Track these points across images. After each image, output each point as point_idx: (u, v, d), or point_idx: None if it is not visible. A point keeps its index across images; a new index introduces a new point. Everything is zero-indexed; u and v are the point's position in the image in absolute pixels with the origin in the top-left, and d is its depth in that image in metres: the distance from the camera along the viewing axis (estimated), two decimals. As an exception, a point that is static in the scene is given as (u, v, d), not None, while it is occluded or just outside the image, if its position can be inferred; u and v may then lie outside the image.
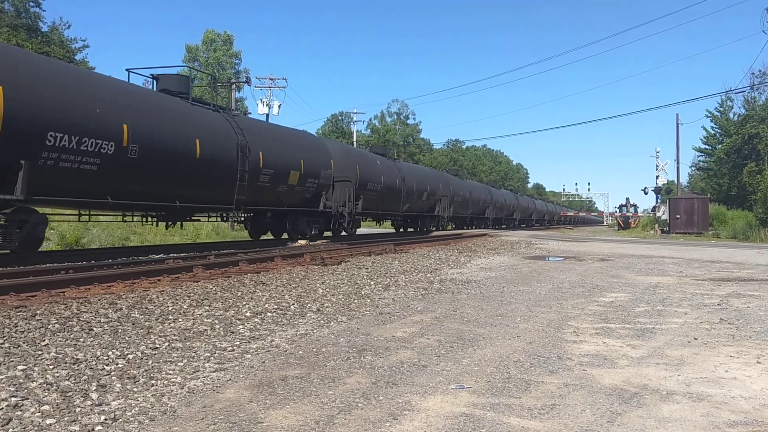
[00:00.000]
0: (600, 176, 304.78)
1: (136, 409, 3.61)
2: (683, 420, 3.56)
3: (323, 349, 5.22)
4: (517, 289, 9.58)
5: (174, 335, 5.56)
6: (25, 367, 4.30)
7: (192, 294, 7.87)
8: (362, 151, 29.44)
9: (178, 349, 5.06)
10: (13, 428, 3.23)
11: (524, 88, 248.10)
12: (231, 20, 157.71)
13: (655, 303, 8.18)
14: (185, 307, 6.97)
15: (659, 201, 49.61)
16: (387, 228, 37.72)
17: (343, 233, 23.61)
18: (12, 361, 4.45)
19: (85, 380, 4.09)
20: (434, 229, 34.39)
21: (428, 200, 33.02)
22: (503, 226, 53.80)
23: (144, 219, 15.69)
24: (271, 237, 21.07)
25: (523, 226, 63.24)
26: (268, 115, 42.06)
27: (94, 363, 4.50)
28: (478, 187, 48.58)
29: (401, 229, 33.66)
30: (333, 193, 21.57)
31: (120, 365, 4.50)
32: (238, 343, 5.39)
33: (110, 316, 6.25)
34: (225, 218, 19.14)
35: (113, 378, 4.18)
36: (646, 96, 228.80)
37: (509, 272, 12.29)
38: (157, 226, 16.89)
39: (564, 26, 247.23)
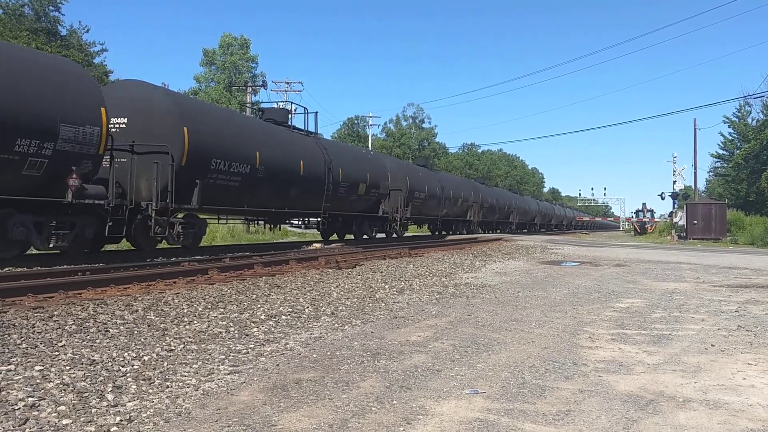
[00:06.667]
0: (616, 181, 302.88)
1: (151, 410, 3.63)
2: (700, 427, 3.52)
3: (337, 353, 5.22)
4: (533, 294, 9.53)
5: (189, 337, 5.58)
6: (42, 367, 4.34)
7: (207, 296, 7.91)
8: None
9: (193, 351, 5.08)
10: (30, 428, 3.26)
11: (540, 91, 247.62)
12: (247, 24, 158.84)
13: (671, 309, 8.10)
14: (200, 309, 7.01)
15: (676, 206, 49.13)
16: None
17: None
18: (29, 361, 4.49)
19: (101, 381, 4.12)
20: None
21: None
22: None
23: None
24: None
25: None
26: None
27: (110, 364, 4.54)
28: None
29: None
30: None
31: (135, 367, 4.52)
32: (252, 345, 5.40)
33: (126, 317, 6.30)
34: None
35: (129, 379, 4.21)
36: (663, 101, 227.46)
37: (524, 277, 12.23)
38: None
39: (580, 30, 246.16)
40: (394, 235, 27.10)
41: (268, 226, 20.65)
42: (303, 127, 21.29)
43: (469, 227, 38.54)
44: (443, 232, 36.38)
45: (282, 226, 30.10)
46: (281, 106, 22.77)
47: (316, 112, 23.57)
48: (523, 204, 56.65)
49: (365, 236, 24.43)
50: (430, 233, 37.45)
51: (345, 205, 22.12)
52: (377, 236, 26.19)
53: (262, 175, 16.39)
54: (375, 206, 24.64)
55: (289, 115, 20.89)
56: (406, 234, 30.69)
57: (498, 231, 46.62)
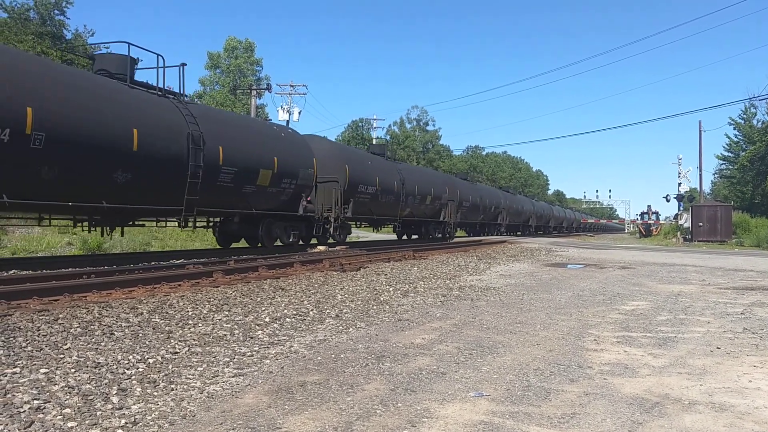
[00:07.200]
0: (621, 183, 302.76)
1: (156, 413, 3.63)
2: (706, 430, 3.50)
3: (342, 355, 5.21)
4: (537, 296, 9.51)
5: (194, 340, 5.59)
6: (47, 370, 4.35)
7: (212, 299, 7.92)
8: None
9: (197, 354, 5.08)
10: (35, 431, 3.27)
11: (545, 94, 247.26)
12: (252, 27, 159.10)
13: (677, 312, 8.08)
14: (205, 312, 7.01)
15: (681, 208, 49.08)
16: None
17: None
18: (34, 364, 4.50)
19: (106, 384, 4.13)
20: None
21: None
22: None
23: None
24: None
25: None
26: (288, 121, 42.41)
27: (115, 367, 4.54)
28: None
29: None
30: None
31: (140, 369, 4.53)
32: (257, 348, 5.41)
33: (131, 320, 6.31)
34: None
35: (134, 382, 4.21)
36: (668, 103, 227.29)
37: (529, 279, 12.21)
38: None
39: (586, 32, 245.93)
40: (330, 240, 21.32)
41: (102, 228, 13.78)
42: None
43: (443, 230, 32.43)
44: (413, 237, 31.71)
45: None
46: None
47: (183, 64, 15.30)
48: (515, 203, 51.21)
49: (277, 243, 18.40)
50: (396, 237, 32.39)
51: (234, 201, 16.00)
52: (312, 242, 20.44)
53: (39, 146, 10.32)
54: (292, 203, 18.38)
55: (134, 66, 13.96)
56: (349, 239, 24.87)
57: (485, 234, 43.03)
